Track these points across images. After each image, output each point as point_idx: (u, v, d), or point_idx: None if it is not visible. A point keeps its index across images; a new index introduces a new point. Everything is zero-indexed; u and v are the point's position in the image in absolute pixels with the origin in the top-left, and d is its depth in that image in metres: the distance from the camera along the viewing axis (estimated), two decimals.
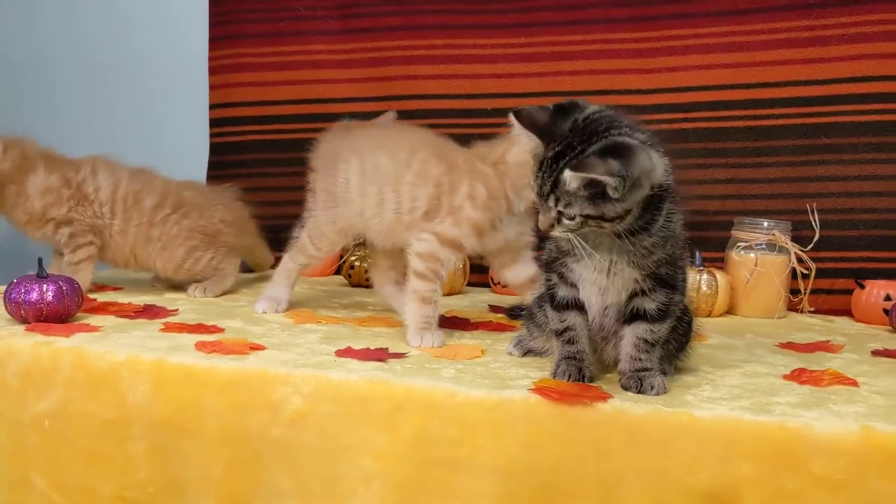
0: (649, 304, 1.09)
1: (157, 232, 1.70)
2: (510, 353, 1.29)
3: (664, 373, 1.15)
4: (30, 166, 1.67)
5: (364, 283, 1.93)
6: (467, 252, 1.42)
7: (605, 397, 1.03)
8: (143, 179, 1.75)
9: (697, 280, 1.77)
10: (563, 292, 1.13)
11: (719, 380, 1.18)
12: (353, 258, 1.94)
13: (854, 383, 1.17)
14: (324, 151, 1.56)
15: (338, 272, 2.04)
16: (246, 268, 1.99)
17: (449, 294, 1.87)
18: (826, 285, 1.88)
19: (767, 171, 1.94)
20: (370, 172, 1.44)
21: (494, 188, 1.39)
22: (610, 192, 0.98)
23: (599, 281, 1.09)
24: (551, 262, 1.15)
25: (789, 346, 1.47)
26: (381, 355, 1.21)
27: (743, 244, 1.83)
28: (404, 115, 2.09)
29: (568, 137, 1.01)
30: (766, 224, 1.83)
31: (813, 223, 1.85)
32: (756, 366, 1.29)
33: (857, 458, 0.94)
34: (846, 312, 1.85)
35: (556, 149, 1.01)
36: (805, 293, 1.85)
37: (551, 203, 1.02)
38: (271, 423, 1.10)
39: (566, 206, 1.01)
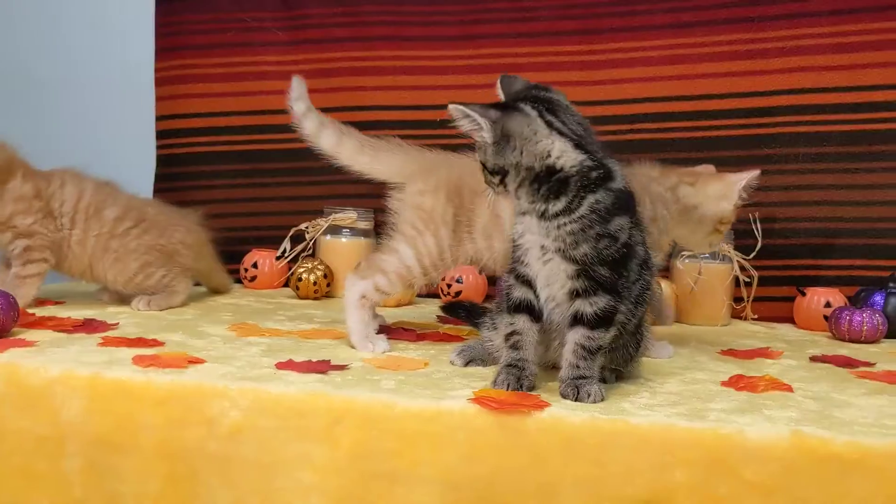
0: (588, 308, 1.11)
1: (115, 244, 1.69)
2: (452, 363, 1.29)
3: (604, 380, 1.17)
4: (11, 171, 1.65)
5: (312, 296, 1.92)
6: None
7: (542, 406, 1.03)
8: (108, 191, 1.74)
9: None
10: (517, 293, 1.16)
11: (658, 387, 1.19)
12: (301, 270, 1.93)
13: (789, 389, 1.19)
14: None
15: (286, 284, 2.03)
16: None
17: (398, 305, 1.87)
18: (769, 293, 1.92)
19: None
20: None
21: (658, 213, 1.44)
22: (485, 136, 1.09)
23: (538, 268, 1.13)
24: (511, 263, 1.18)
25: (731, 352, 1.50)
26: (322, 367, 1.20)
27: (687, 253, 1.85)
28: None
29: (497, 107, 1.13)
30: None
31: (755, 232, 1.87)
32: (696, 373, 1.30)
33: (787, 464, 0.95)
34: (789, 319, 1.88)
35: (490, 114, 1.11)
36: (748, 301, 1.88)
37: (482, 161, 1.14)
38: (208, 438, 1.08)
39: (476, 150, 1.14)
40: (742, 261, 1.85)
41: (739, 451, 0.96)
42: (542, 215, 1.11)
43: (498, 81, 1.19)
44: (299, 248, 2.02)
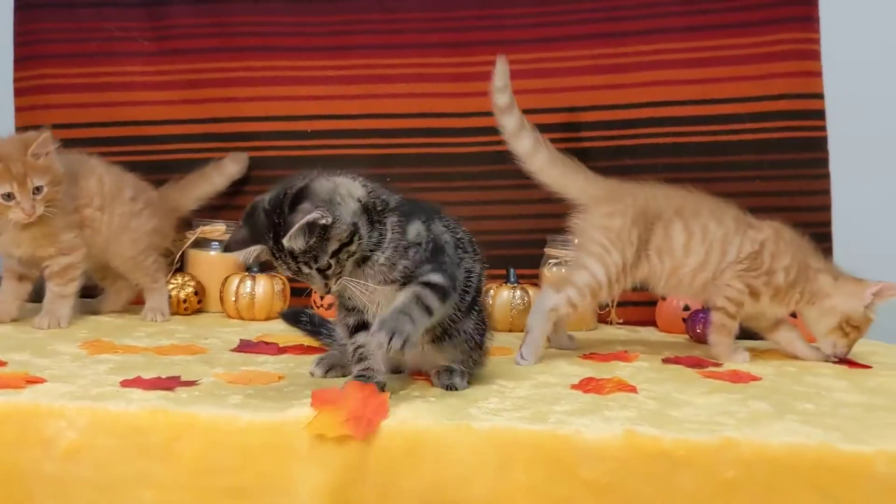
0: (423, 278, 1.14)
1: (134, 223, 1.81)
2: (312, 374, 1.29)
3: (462, 374, 1.22)
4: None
5: (182, 312, 1.88)
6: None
7: (382, 411, 1.03)
8: (115, 170, 1.84)
9: (511, 296, 1.83)
10: (350, 320, 1.20)
11: (509, 391, 1.21)
12: (171, 287, 1.88)
13: (633, 390, 1.23)
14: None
15: None
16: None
17: (267, 319, 1.85)
18: (633, 297, 1.97)
19: None
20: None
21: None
22: (325, 221, 1.06)
23: (366, 299, 1.16)
24: (339, 300, 1.22)
25: (591, 356, 1.54)
26: (170, 384, 1.17)
27: (554, 261, 1.90)
28: (223, 138, 2.07)
29: (269, 223, 1.09)
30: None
31: None
32: (550, 377, 1.33)
33: (620, 462, 0.98)
34: (652, 323, 1.95)
35: (270, 235, 1.09)
36: (613, 306, 1.94)
37: (307, 271, 1.10)
38: (44, 459, 1.04)
39: (315, 261, 1.09)
40: None
41: (576, 451, 0.99)
42: (363, 263, 1.13)
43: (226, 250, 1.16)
44: (169, 262, 1.97)
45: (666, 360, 1.52)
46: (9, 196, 1.57)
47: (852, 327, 1.55)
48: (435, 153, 2.04)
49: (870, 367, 1.52)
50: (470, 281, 1.24)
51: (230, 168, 2.02)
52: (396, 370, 1.27)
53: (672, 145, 1.99)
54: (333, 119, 2.06)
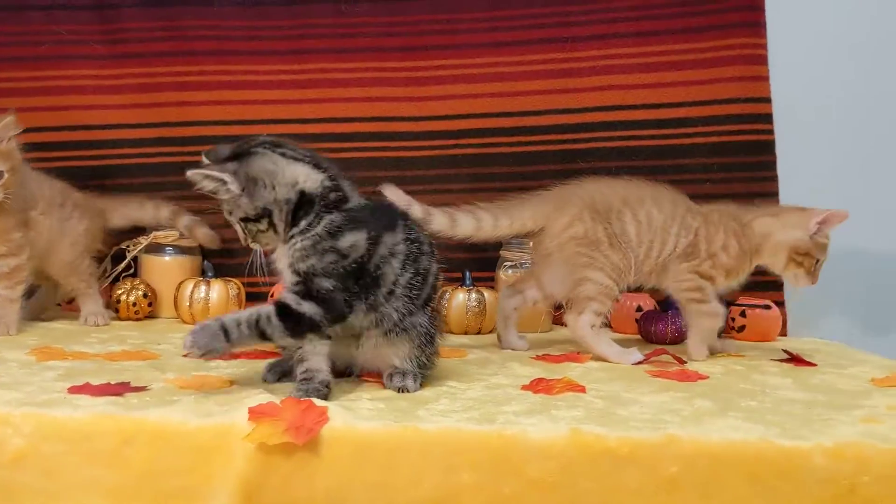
0: (291, 304, 1.15)
1: (68, 227, 1.79)
2: (265, 380, 1.29)
3: (415, 377, 1.24)
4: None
5: (133, 317, 1.87)
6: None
7: (322, 416, 1.04)
8: (43, 177, 1.81)
9: (466, 299, 1.84)
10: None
11: (460, 393, 1.22)
12: (120, 291, 1.87)
13: (582, 390, 1.25)
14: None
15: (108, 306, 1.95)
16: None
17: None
18: None
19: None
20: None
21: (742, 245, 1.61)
22: (232, 188, 1.12)
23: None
24: None
25: (543, 357, 1.56)
26: (119, 389, 1.17)
27: (509, 263, 1.92)
28: (177, 142, 2.06)
29: (218, 156, 1.17)
30: (532, 244, 1.93)
31: None
32: (501, 378, 1.35)
33: (566, 460, 1.00)
34: (606, 324, 1.97)
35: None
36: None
37: (227, 217, 1.18)
38: None
39: (230, 213, 1.16)
40: None
41: (522, 451, 1.00)
42: (287, 240, 1.16)
43: (203, 157, 1.19)
44: (120, 267, 1.96)
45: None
46: None
47: (803, 255, 1.59)
48: (390, 157, 2.05)
49: (815, 364, 1.56)
50: (424, 280, 1.24)
51: (165, 214, 1.96)
52: (347, 371, 1.28)
53: (624, 149, 2.02)
54: (288, 123, 2.06)
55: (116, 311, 1.87)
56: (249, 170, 1.13)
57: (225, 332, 1.11)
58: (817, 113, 2.06)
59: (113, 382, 1.20)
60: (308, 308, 1.13)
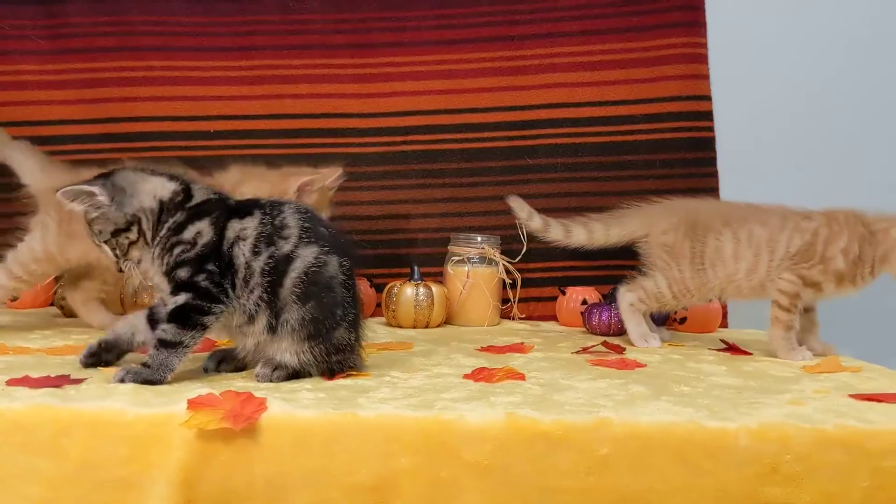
0: (170, 307, 1.21)
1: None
2: (205, 369, 1.30)
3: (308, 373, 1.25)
4: None
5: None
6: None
7: (259, 405, 1.05)
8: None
9: (414, 293, 1.86)
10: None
11: (402, 382, 1.24)
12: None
13: (522, 377, 1.28)
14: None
15: (52, 304, 1.94)
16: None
17: None
18: (535, 293, 2.04)
19: (480, 190, 2.08)
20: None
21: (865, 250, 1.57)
22: (102, 199, 1.21)
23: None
24: None
25: (488, 349, 1.58)
26: (58, 382, 1.16)
27: (456, 258, 1.94)
28: (122, 138, 2.05)
29: None
30: (479, 239, 1.96)
31: (521, 237, 1.99)
32: (445, 368, 1.37)
33: (501, 444, 1.02)
34: (553, 318, 2.01)
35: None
36: (514, 301, 1.99)
37: (95, 241, 1.26)
38: None
39: (100, 233, 1.23)
40: (507, 264, 1.96)
41: (459, 435, 1.02)
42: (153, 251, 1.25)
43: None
44: None
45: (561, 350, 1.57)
46: None
47: None
48: (338, 153, 2.06)
49: (751, 353, 1.61)
50: (287, 266, 1.21)
51: None
52: (241, 367, 1.30)
53: (569, 145, 2.06)
54: (236, 119, 2.06)
55: (62, 307, 1.85)
56: (115, 181, 1.24)
57: (147, 366, 1.19)
58: (756, 109, 2.12)
59: (53, 375, 1.20)
60: (181, 298, 1.20)
